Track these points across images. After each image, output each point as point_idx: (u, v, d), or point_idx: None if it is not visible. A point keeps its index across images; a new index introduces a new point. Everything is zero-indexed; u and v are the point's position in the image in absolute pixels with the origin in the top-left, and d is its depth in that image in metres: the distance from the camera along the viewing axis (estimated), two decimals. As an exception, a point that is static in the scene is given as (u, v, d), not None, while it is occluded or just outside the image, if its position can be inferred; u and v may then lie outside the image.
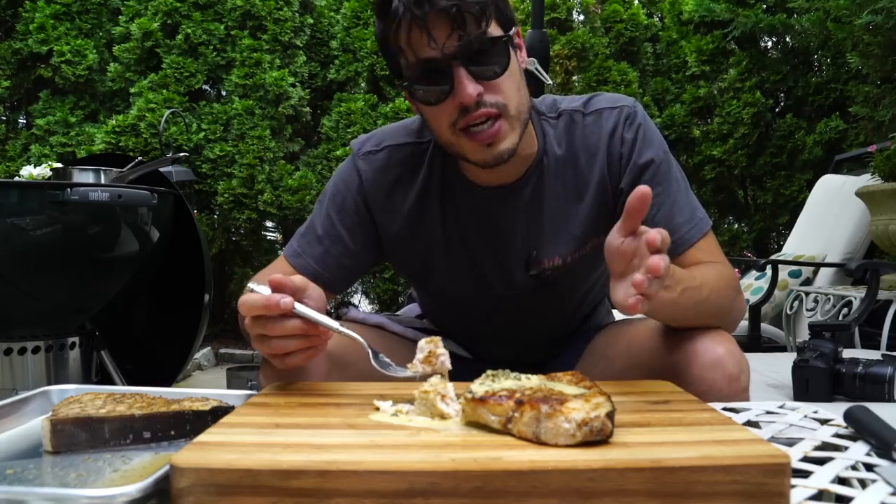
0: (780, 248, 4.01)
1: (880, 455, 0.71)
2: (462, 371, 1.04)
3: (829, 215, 3.34)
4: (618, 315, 1.45)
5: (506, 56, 1.05)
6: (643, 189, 0.85)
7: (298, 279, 0.91)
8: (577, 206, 1.18)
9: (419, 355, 0.86)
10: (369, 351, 0.92)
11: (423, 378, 0.82)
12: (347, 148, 4.60)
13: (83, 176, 2.11)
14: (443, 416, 0.75)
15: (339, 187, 1.25)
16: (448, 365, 0.85)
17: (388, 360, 0.93)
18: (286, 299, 0.86)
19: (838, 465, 0.68)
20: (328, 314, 0.95)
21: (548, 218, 1.19)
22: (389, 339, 1.29)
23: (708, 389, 0.99)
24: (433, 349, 0.86)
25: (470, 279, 1.24)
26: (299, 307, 0.87)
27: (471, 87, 1.01)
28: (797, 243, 3.50)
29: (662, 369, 1.04)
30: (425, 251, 1.24)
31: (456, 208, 1.21)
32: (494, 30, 1.04)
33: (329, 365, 1.11)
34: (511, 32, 1.08)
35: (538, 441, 0.65)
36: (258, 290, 0.88)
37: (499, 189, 1.17)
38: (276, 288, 0.87)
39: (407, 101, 4.55)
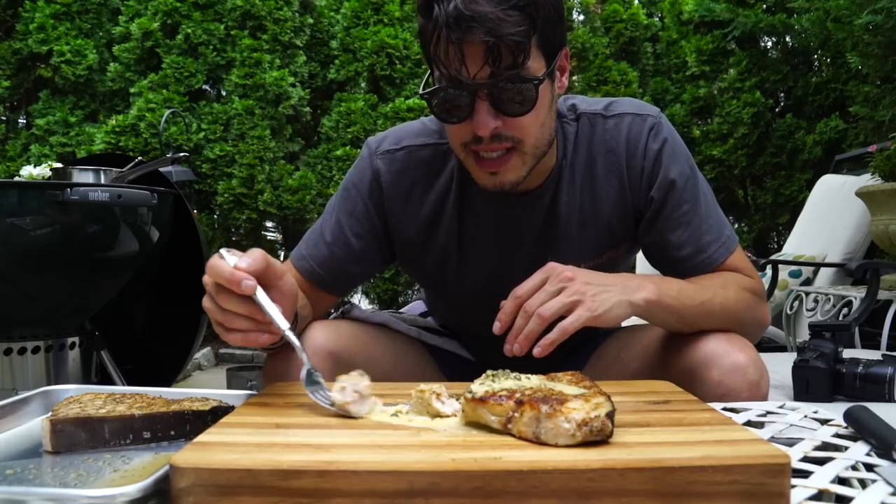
0: (780, 248, 4.01)
1: (880, 455, 0.71)
2: (465, 372, 1.04)
3: (829, 215, 3.33)
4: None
5: (535, 94, 0.99)
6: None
7: (277, 265, 0.87)
8: (593, 214, 1.16)
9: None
10: (305, 366, 0.84)
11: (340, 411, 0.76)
12: (348, 148, 4.60)
13: (83, 176, 2.11)
14: (439, 415, 0.75)
15: (351, 191, 1.21)
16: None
17: (320, 379, 0.83)
18: (250, 282, 0.81)
19: (838, 465, 0.68)
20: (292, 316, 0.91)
21: (563, 224, 1.16)
22: (393, 336, 1.29)
23: (725, 394, 0.98)
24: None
25: (483, 283, 1.22)
26: (260, 295, 0.82)
27: (489, 121, 0.98)
28: (797, 243, 3.50)
29: (679, 372, 1.03)
30: (439, 255, 1.21)
31: (474, 214, 1.18)
32: (534, 62, 0.98)
33: (333, 362, 1.11)
34: (554, 62, 1.02)
35: (538, 441, 0.65)
36: (227, 259, 0.84)
37: (519, 197, 1.14)
38: (243, 267, 0.82)
39: (406, 102, 4.55)
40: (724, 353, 1.01)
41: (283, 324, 0.84)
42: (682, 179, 1.12)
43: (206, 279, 0.85)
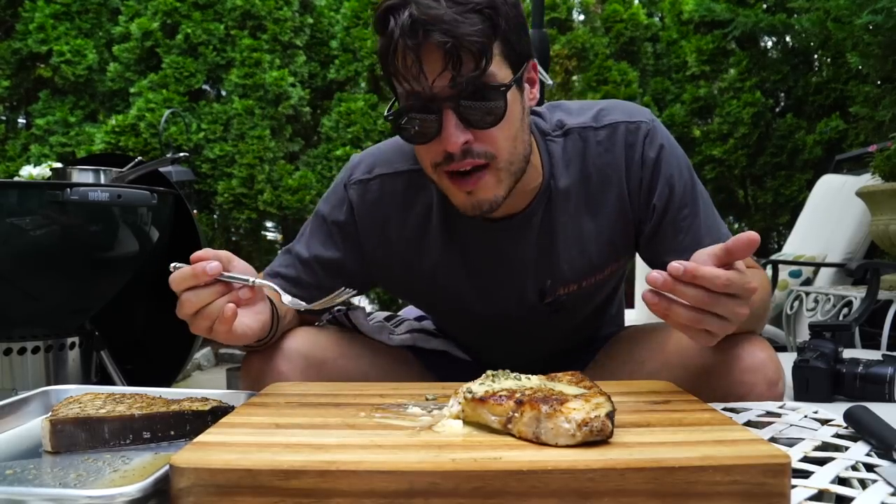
0: (780, 248, 4.01)
1: (880, 455, 0.71)
2: (463, 372, 1.04)
3: (830, 215, 3.33)
4: (628, 320, 1.44)
5: (503, 104, 0.95)
6: (752, 236, 0.78)
7: (223, 252, 0.91)
8: (591, 232, 1.12)
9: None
10: (282, 294, 0.96)
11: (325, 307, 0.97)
12: (348, 147, 4.60)
13: (83, 176, 2.10)
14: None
15: (326, 221, 1.18)
16: None
17: (298, 301, 0.98)
18: (213, 264, 0.87)
19: (838, 465, 0.68)
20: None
21: (561, 246, 1.13)
22: (377, 345, 1.28)
23: (747, 392, 0.99)
24: None
25: (479, 307, 1.19)
26: (225, 274, 0.90)
27: (458, 136, 0.93)
28: (797, 243, 3.50)
29: (699, 371, 1.03)
30: (428, 284, 1.18)
31: (460, 242, 1.14)
32: (498, 69, 0.94)
33: (304, 363, 1.11)
34: (521, 71, 0.98)
35: (538, 441, 0.65)
36: (180, 267, 0.89)
37: (505, 220, 1.10)
38: (197, 260, 0.88)
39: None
40: (746, 352, 1.01)
41: (252, 277, 0.92)
42: (682, 184, 1.10)
43: (176, 288, 0.89)
